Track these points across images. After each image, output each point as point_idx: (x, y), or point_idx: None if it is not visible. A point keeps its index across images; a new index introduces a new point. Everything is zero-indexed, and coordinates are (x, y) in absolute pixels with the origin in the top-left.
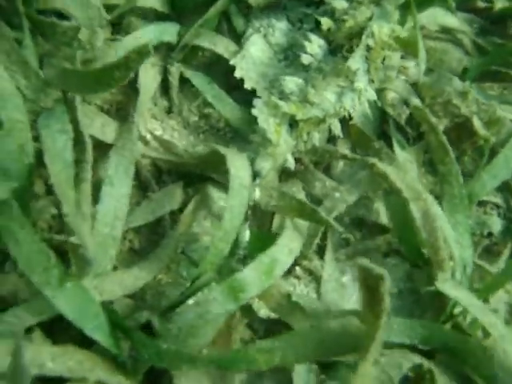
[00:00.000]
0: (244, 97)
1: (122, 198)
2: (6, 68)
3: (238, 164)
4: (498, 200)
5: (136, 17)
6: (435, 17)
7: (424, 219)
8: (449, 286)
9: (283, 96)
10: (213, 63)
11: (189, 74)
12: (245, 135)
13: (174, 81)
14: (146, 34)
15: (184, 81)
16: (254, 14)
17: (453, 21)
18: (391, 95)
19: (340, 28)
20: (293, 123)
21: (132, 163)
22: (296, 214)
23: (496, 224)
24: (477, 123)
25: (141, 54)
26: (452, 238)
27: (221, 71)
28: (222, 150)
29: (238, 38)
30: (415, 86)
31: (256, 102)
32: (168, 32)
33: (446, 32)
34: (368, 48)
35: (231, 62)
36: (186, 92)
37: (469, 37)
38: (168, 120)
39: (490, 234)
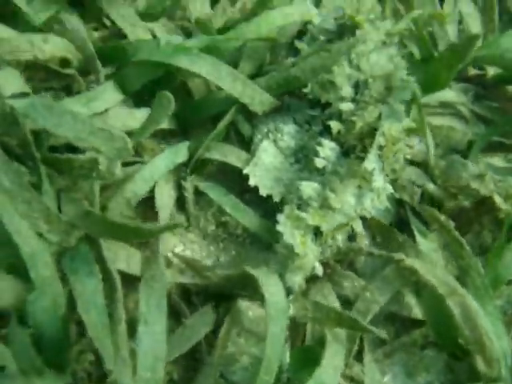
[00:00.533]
0: (258, 199)
1: (159, 336)
2: (28, 216)
3: (272, 288)
4: None
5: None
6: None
7: (463, 315)
8: None
9: (301, 202)
10: (224, 170)
11: (203, 186)
12: (264, 240)
13: (190, 196)
14: (161, 162)
15: (198, 191)
16: (260, 118)
17: (450, 95)
18: (403, 181)
19: (350, 129)
20: (317, 231)
21: (163, 296)
22: (334, 324)
23: None
24: (498, 200)
25: None
26: (491, 331)
27: (233, 176)
28: (253, 271)
29: (246, 144)
30: (422, 165)
31: (279, 217)
32: (180, 153)
33: (445, 105)
34: (380, 146)
35: (245, 172)
36: (201, 202)
37: (467, 107)
38: (186, 234)
39: None
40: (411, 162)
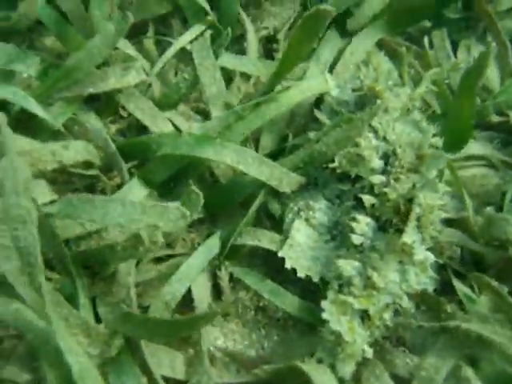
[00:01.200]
0: (296, 278)
1: None
2: (66, 330)
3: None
4: None
5: None
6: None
7: None
8: None
9: (342, 281)
10: (258, 253)
11: (238, 272)
12: (307, 322)
13: (225, 284)
14: (196, 260)
15: (233, 277)
16: (288, 196)
17: (477, 146)
18: (442, 243)
19: (383, 202)
20: (363, 314)
21: None
22: None
23: None
24: None
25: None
26: None
27: (267, 258)
28: (303, 366)
29: (277, 223)
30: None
31: (324, 304)
32: (213, 248)
33: (473, 158)
34: (417, 217)
35: (280, 255)
36: (237, 288)
37: (495, 157)
38: (226, 324)
39: None
40: (446, 221)
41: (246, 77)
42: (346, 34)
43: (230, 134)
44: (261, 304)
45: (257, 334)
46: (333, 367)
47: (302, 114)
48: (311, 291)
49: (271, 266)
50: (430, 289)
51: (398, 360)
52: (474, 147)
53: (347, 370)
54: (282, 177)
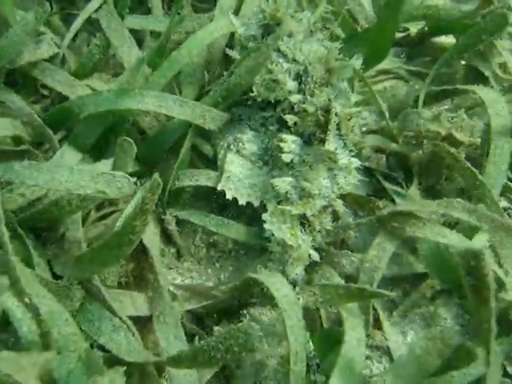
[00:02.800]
0: (239, 211)
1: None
2: None
3: (277, 285)
4: (504, 203)
5: None
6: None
7: (463, 251)
8: None
9: (281, 198)
10: (199, 193)
11: (183, 214)
12: (257, 246)
13: (173, 227)
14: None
15: (180, 221)
16: (217, 135)
17: (385, 63)
18: (367, 151)
19: (304, 118)
20: (303, 220)
21: (179, 326)
22: (345, 300)
23: None
24: (458, 135)
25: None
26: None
27: (209, 196)
28: (256, 275)
29: (212, 163)
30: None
31: (264, 216)
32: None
33: (383, 73)
34: (337, 125)
35: (219, 188)
36: (186, 230)
37: (403, 69)
38: (181, 264)
39: None
40: (368, 133)
41: (156, 35)
42: None
43: (147, 86)
44: (211, 240)
45: (212, 268)
46: (283, 273)
47: (217, 60)
48: (256, 219)
49: (214, 204)
50: (363, 193)
51: (344, 260)
52: (383, 63)
53: (297, 272)
54: (204, 114)
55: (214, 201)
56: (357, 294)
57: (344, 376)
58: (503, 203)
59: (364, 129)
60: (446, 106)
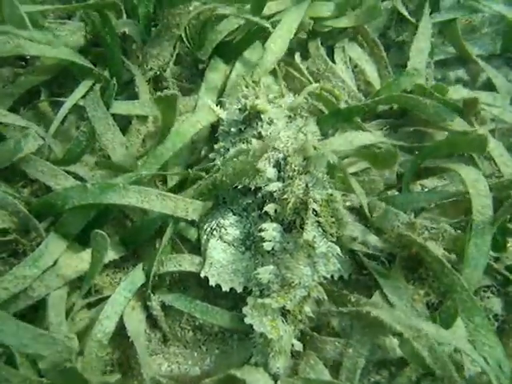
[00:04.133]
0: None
1: None
2: None
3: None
4: (487, 282)
5: None
6: (350, 140)
7: (431, 354)
8: None
9: (263, 287)
10: (184, 277)
11: (169, 300)
12: (239, 330)
13: (158, 313)
14: (120, 295)
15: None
16: (201, 219)
17: (368, 137)
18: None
19: (284, 207)
20: (284, 311)
21: None
22: None
23: (496, 304)
24: (432, 247)
25: None
26: (471, 350)
27: (194, 280)
28: (238, 372)
29: (194, 246)
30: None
31: (245, 310)
32: (136, 279)
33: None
34: (316, 212)
35: (202, 275)
36: (171, 313)
37: (387, 143)
38: (167, 349)
39: (495, 315)
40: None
41: (143, 118)
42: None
43: (133, 181)
44: (197, 323)
45: (198, 351)
46: (266, 366)
47: (202, 140)
48: (242, 300)
49: (203, 285)
50: (346, 275)
51: (328, 346)
52: (366, 137)
53: (279, 365)
54: (187, 207)
55: (199, 284)
56: None
57: None
58: (486, 280)
59: (348, 203)
60: (436, 183)
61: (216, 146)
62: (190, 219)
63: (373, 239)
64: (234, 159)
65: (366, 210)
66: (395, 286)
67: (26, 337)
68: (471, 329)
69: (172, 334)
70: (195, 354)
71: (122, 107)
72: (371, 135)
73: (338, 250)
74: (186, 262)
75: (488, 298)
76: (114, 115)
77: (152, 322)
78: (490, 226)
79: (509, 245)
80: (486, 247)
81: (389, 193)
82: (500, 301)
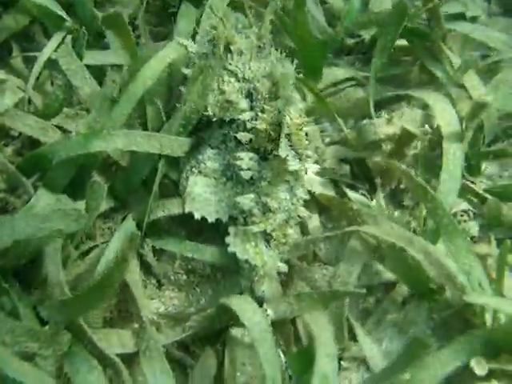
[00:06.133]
0: (216, 232)
1: None
2: (17, 343)
3: (249, 313)
4: (462, 206)
5: None
6: (325, 77)
7: (427, 257)
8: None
9: (246, 214)
10: (175, 220)
11: (160, 244)
12: (233, 267)
13: (151, 259)
14: (115, 245)
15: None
16: (183, 161)
17: (341, 73)
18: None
19: (258, 135)
20: (267, 236)
21: (164, 361)
22: (321, 305)
23: (473, 227)
24: (412, 129)
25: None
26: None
27: (185, 222)
28: (227, 301)
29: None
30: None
31: (227, 239)
32: (128, 230)
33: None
34: (289, 137)
35: (186, 211)
36: (163, 259)
37: (359, 75)
38: (162, 293)
39: (472, 237)
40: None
41: (118, 68)
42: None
43: (111, 122)
44: (190, 267)
45: (192, 293)
46: (252, 290)
47: (179, 81)
48: None
49: (191, 230)
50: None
51: (316, 275)
52: (339, 73)
53: (264, 288)
54: (171, 144)
55: (191, 226)
56: (331, 296)
57: None
58: (463, 205)
59: (327, 140)
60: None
61: (185, 72)
62: (176, 155)
63: (354, 153)
64: (195, 81)
65: (345, 129)
66: (377, 216)
67: (37, 223)
68: (453, 250)
69: (166, 279)
70: (190, 296)
71: (95, 57)
72: (344, 70)
73: (316, 167)
74: (174, 206)
75: (465, 221)
76: (88, 66)
77: (146, 269)
78: (460, 152)
79: (483, 168)
80: (458, 172)
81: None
82: (476, 223)
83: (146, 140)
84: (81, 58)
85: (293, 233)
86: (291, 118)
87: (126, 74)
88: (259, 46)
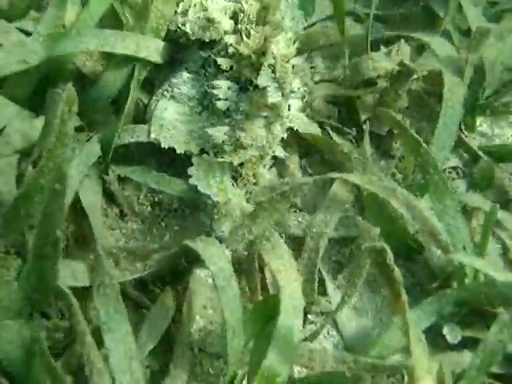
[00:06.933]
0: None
1: (126, 338)
2: None
3: (214, 258)
4: (452, 163)
5: None
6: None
7: (410, 211)
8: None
9: (217, 149)
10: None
11: (126, 172)
12: (196, 200)
13: (115, 186)
14: (75, 170)
15: (124, 178)
16: (156, 85)
17: None
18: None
19: (240, 61)
20: (234, 173)
21: (118, 299)
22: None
23: (461, 185)
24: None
25: None
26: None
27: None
28: (192, 243)
29: None
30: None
31: (190, 170)
32: (91, 153)
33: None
34: (274, 68)
35: (152, 138)
36: (128, 188)
37: (359, 11)
38: (125, 224)
39: None
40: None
41: None
42: None
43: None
44: (156, 199)
45: (157, 227)
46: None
47: None
48: None
49: (162, 162)
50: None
51: (291, 221)
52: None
53: (223, 228)
54: (149, 44)
55: (162, 156)
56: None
57: (280, 347)
58: (453, 162)
59: (316, 78)
60: None
61: None
62: (154, 60)
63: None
64: None
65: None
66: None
67: None
68: (439, 210)
69: (130, 209)
70: (154, 230)
71: None
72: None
73: (298, 104)
74: (144, 133)
75: (453, 179)
76: None
77: (108, 197)
78: (459, 105)
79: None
80: (454, 128)
81: None
82: (464, 182)
83: (120, 40)
84: None
85: (265, 173)
86: (278, 48)
87: None
88: None
